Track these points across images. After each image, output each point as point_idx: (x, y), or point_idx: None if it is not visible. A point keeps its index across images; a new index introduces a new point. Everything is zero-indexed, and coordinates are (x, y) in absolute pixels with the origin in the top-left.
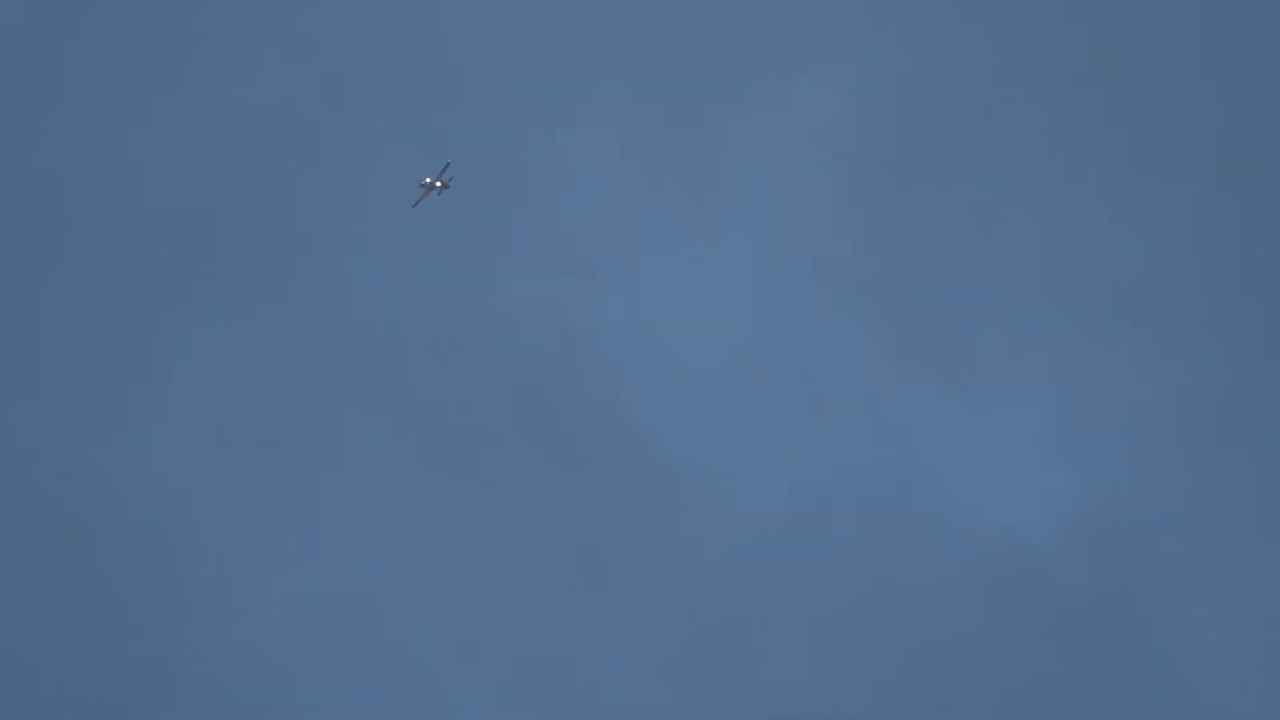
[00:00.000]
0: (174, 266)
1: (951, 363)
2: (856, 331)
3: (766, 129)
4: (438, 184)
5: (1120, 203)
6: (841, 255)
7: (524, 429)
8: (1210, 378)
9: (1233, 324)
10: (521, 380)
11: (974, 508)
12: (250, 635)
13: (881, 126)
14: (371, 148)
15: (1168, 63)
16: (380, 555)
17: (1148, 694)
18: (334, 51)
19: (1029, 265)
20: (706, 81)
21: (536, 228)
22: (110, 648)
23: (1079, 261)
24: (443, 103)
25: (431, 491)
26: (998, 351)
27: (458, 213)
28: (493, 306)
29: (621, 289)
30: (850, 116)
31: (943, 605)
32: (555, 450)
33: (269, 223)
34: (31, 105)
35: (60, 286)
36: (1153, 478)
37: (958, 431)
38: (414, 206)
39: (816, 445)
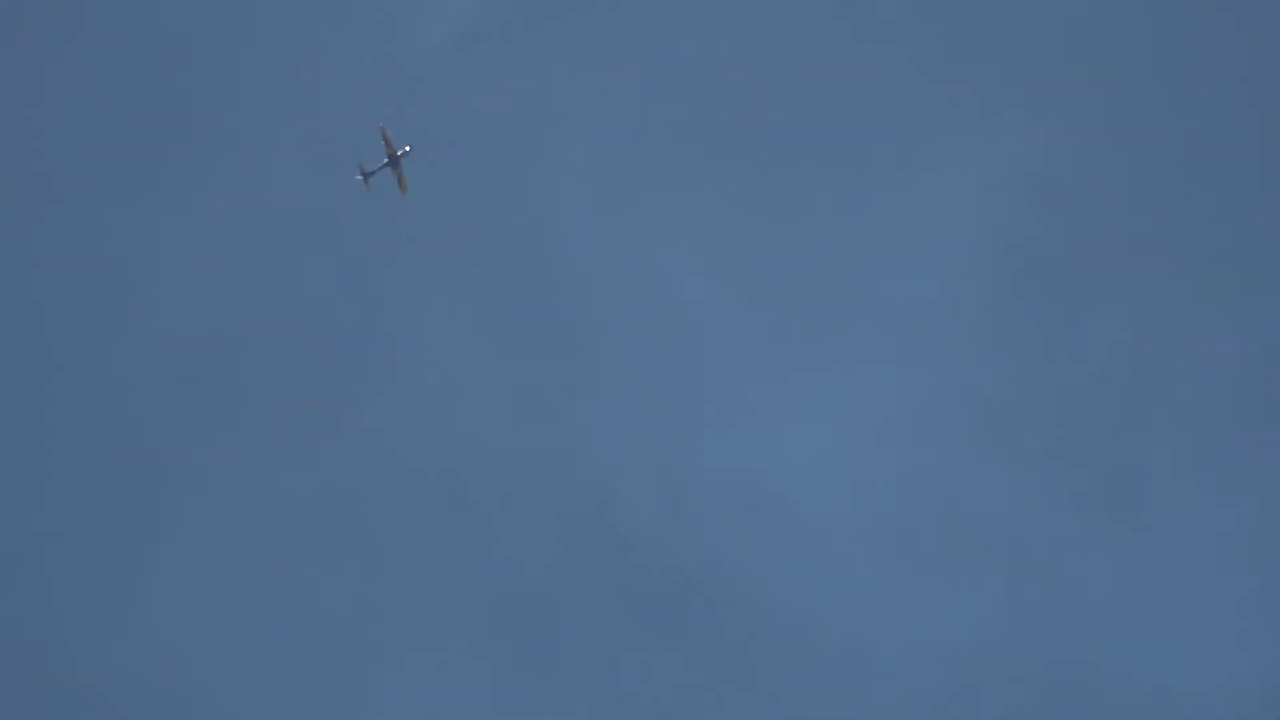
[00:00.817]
0: (199, 404)
1: (1120, 505)
2: (1006, 471)
3: (893, 235)
4: (398, 153)
5: None
6: (986, 380)
7: (616, 595)
8: None
9: None
10: (611, 538)
11: (1148, 676)
12: None
13: (1029, 227)
14: (435, 270)
15: None
16: None
17: None
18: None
19: (1209, 385)
20: (820, 180)
21: (626, 359)
22: None
23: (1268, 378)
24: (517, 218)
25: (502, 672)
26: (1174, 490)
27: (532, 343)
28: (576, 452)
29: (726, 429)
30: (992, 217)
31: None
32: (653, 619)
33: (310, 354)
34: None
35: (67, 431)
36: None
37: (1128, 586)
38: (364, 178)
39: (961, 608)
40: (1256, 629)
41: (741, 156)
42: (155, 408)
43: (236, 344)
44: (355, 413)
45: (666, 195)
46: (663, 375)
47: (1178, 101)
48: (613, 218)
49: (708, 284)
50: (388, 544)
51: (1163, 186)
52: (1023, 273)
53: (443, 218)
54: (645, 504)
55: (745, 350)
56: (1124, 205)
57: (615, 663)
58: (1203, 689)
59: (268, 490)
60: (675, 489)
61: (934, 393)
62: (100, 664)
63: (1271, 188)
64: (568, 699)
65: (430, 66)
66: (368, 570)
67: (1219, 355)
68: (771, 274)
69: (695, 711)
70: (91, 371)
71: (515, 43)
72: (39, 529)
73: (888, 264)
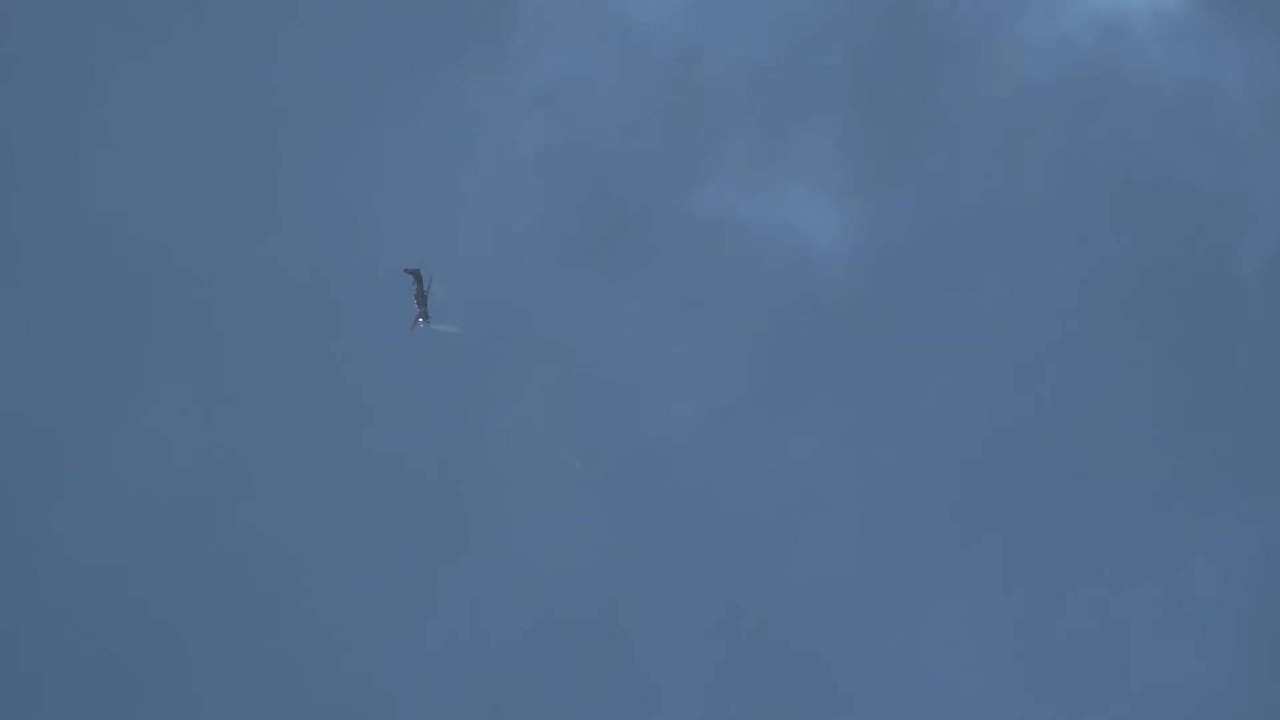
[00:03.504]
0: None
1: None
2: None
3: (1158, 611)
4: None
5: None
6: None
7: None
8: None
9: None
10: None
11: None
12: None
13: None
14: (673, 661)
15: None
16: None
17: None
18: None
19: None
20: (1080, 555)
21: None
22: None
23: None
24: (765, 606)
25: None
26: None
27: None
28: None
29: None
30: (1259, 582)
31: None
32: None
33: None
34: None
35: None
36: None
37: None
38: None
39: None
40: None
41: (999, 532)
42: None
43: None
44: None
45: (921, 580)
46: None
47: None
48: (865, 605)
49: (970, 669)
50: None
51: None
52: None
53: (687, 602)
54: None
55: None
56: None
57: None
58: None
59: None
60: None
61: None
62: None
63: None
64: None
65: (676, 444)
66: None
67: None
68: (1034, 658)
69: None
70: None
71: (763, 421)
72: None
73: (1152, 645)
